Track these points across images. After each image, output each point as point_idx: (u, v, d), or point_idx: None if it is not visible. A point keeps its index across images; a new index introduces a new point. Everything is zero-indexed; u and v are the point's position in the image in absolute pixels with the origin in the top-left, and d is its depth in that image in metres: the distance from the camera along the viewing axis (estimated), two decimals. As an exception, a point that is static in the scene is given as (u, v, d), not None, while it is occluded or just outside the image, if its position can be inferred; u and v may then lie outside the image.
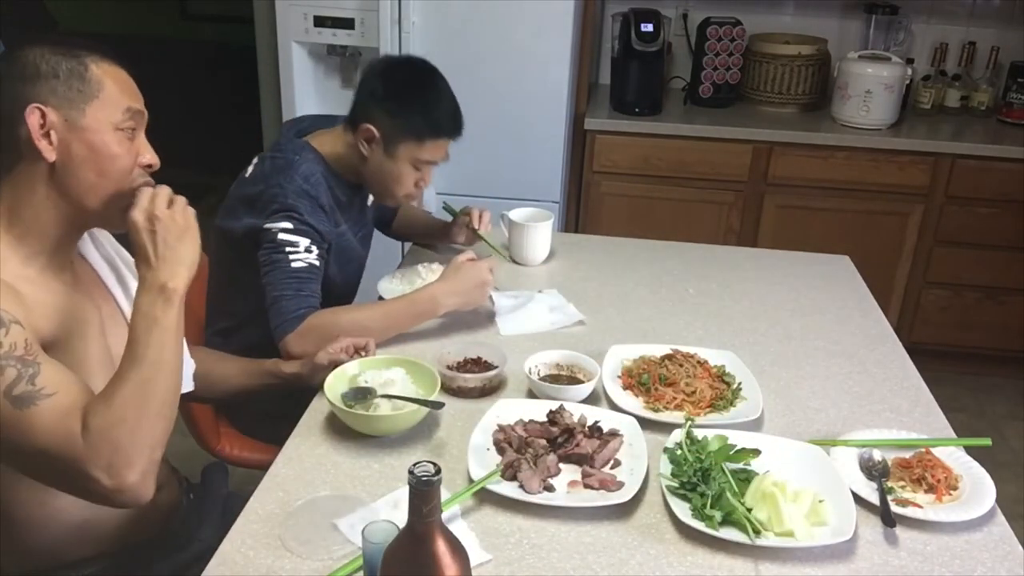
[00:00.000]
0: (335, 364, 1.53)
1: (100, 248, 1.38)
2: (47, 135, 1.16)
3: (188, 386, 1.42)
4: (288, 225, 1.67)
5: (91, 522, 1.31)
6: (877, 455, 1.39)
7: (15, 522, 1.24)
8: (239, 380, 1.63)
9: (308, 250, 1.68)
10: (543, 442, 1.38)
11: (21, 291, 1.14)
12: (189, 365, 1.44)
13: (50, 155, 1.16)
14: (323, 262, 1.73)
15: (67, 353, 1.18)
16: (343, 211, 1.85)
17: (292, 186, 1.69)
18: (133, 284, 1.36)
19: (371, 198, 1.99)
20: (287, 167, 1.72)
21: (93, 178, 1.20)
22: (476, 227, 2.08)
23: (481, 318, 1.84)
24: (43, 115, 1.15)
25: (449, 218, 2.17)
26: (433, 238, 2.20)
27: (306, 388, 1.56)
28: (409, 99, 1.76)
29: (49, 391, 1.08)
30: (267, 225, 1.67)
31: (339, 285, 1.88)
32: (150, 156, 1.25)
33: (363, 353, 1.57)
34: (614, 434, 1.41)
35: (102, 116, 1.18)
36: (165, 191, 1.21)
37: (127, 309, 1.36)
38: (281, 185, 1.69)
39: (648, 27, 3.13)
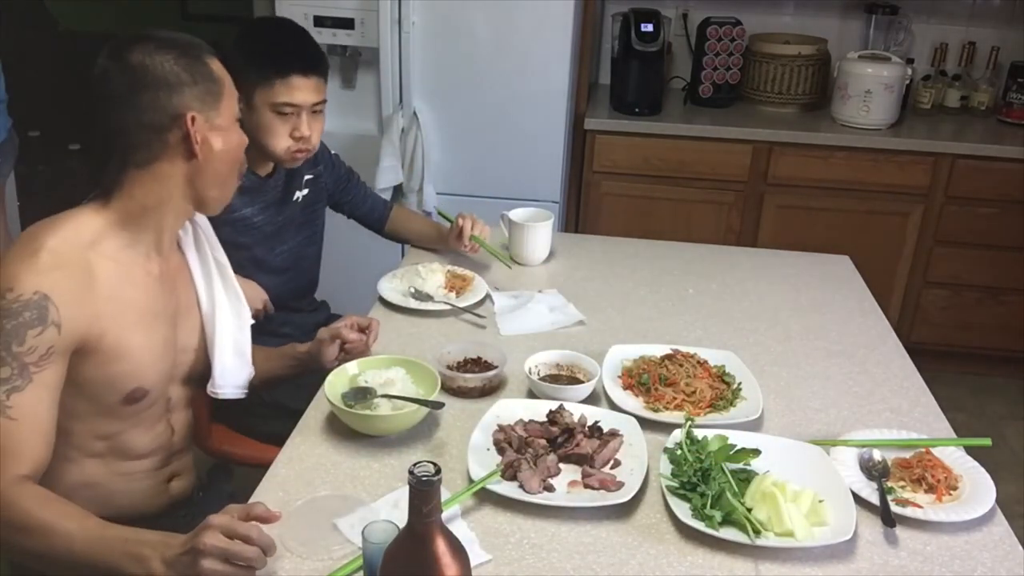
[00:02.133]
0: (335, 337, 1.56)
1: (199, 244, 1.47)
2: (198, 139, 1.26)
3: (243, 392, 1.52)
4: None
5: (104, 488, 1.37)
6: (877, 455, 1.39)
7: None
8: (263, 366, 1.64)
9: None
10: (543, 442, 1.38)
11: (100, 274, 1.23)
12: (251, 371, 1.53)
13: (200, 156, 1.27)
14: None
15: (122, 344, 1.26)
16: (247, 195, 1.84)
17: None
18: (217, 281, 1.47)
19: (298, 194, 1.97)
20: None
21: (224, 169, 1.32)
22: (473, 235, 2.04)
23: (481, 318, 1.84)
24: (193, 120, 1.24)
25: (445, 223, 2.14)
26: (430, 243, 2.18)
27: (319, 368, 1.58)
28: (250, 45, 1.78)
29: (12, 415, 1.14)
30: None
31: (260, 268, 1.89)
32: (244, 137, 1.37)
33: (366, 332, 1.60)
34: (614, 434, 1.41)
35: (229, 111, 1.31)
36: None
37: (205, 302, 1.46)
38: None
39: (648, 27, 3.13)
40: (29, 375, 1.15)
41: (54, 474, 1.27)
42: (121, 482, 1.40)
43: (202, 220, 1.48)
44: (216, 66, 1.29)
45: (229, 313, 1.48)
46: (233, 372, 1.49)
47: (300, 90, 1.76)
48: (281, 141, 1.79)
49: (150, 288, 1.32)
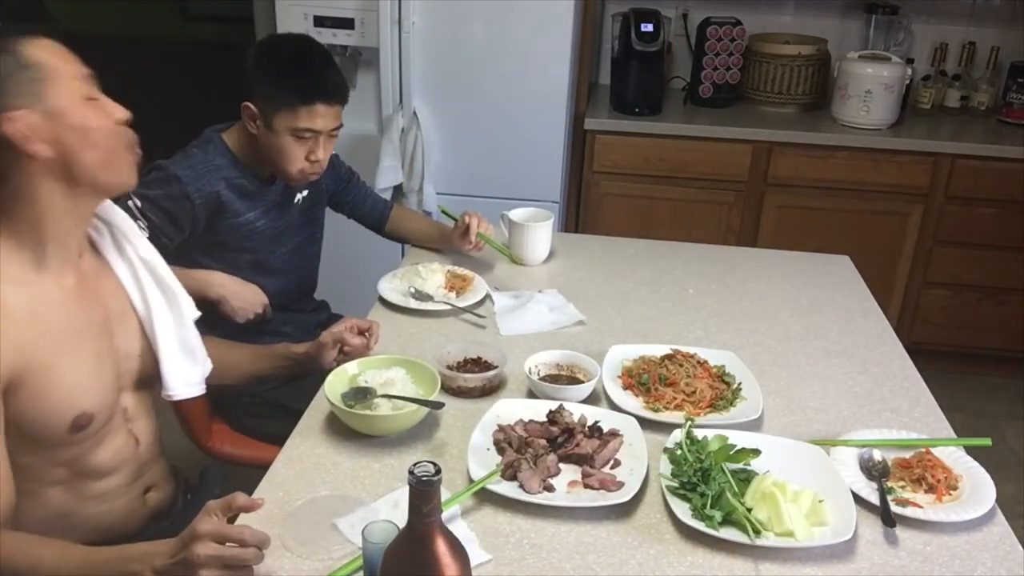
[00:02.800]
0: (337, 341, 1.54)
1: (119, 244, 1.37)
2: (31, 136, 1.14)
3: (200, 390, 1.44)
4: (138, 203, 1.71)
5: (75, 515, 1.31)
6: (877, 455, 1.39)
7: None
8: (251, 365, 1.64)
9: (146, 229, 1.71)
10: (543, 442, 1.38)
11: (10, 304, 1.14)
12: (206, 366, 1.45)
13: (46, 152, 1.15)
14: (168, 241, 1.75)
15: (51, 371, 1.19)
16: (248, 199, 1.85)
17: (173, 169, 1.75)
18: (147, 279, 1.37)
19: (299, 196, 1.98)
20: (182, 153, 1.79)
21: (97, 153, 1.19)
22: (479, 232, 2.04)
23: (481, 318, 1.84)
24: (14, 120, 1.12)
25: (449, 222, 2.15)
26: (432, 242, 2.18)
27: (317, 369, 1.57)
28: (277, 69, 1.77)
29: None
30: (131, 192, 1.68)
31: (261, 271, 1.91)
32: (120, 111, 1.23)
33: (367, 335, 1.59)
34: (614, 434, 1.41)
35: (66, 91, 1.17)
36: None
37: (139, 304, 1.36)
38: (163, 167, 1.76)
39: (648, 27, 3.13)
40: None
41: (19, 512, 1.23)
42: (92, 505, 1.33)
43: (117, 218, 1.37)
44: (32, 50, 1.15)
45: (167, 311, 1.39)
46: (183, 371, 1.40)
47: (322, 117, 1.77)
48: (296, 164, 1.80)
49: (68, 303, 1.23)
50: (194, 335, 1.42)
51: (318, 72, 1.78)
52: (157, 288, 1.38)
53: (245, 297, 1.84)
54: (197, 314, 1.45)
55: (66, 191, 1.19)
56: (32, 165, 1.15)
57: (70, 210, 1.21)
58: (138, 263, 1.37)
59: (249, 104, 1.77)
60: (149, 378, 1.40)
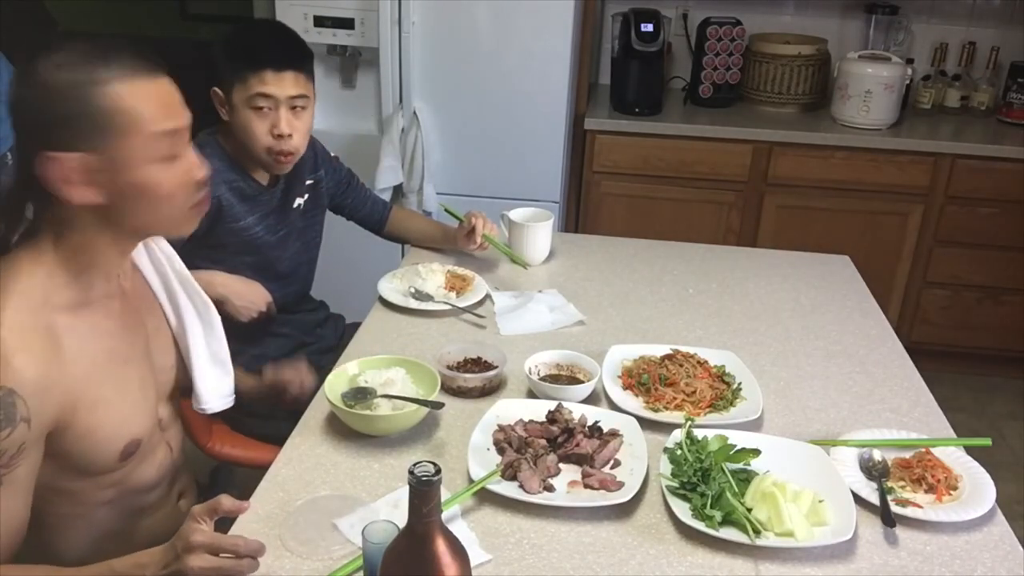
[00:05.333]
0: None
1: (152, 255, 1.34)
2: (76, 180, 1.05)
3: (230, 401, 1.44)
4: None
5: (123, 532, 1.30)
6: (877, 455, 1.39)
7: (51, 530, 1.23)
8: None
9: None
10: (543, 442, 1.38)
11: (64, 336, 1.09)
12: (231, 378, 1.45)
13: (94, 198, 1.07)
14: None
15: (100, 405, 1.15)
16: (248, 203, 1.84)
17: None
18: (181, 297, 1.36)
19: (298, 200, 1.96)
20: None
21: (149, 213, 1.12)
22: (485, 233, 2.03)
23: (481, 318, 1.84)
24: (58, 161, 1.04)
25: (453, 221, 2.14)
26: (433, 242, 2.18)
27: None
28: (229, 45, 1.78)
29: None
30: None
31: (262, 275, 1.88)
32: (200, 171, 1.16)
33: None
34: (614, 434, 1.41)
35: (139, 148, 1.07)
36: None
37: (173, 321, 1.36)
38: None
39: (648, 27, 3.13)
40: (2, 476, 1.03)
41: (69, 536, 1.22)
42: (136, 520, 1.32)
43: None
44: (119, 92, 1.05)
45: (197, 323, 1.38)
46: (215, 382, 1.40)
47: (274, 84, 1.73)
48: (260, 140, 1.76)
49: (116, 331, 1.19)
50: (222, 344, 1.42)
51: (264, 39, 1.79)
52: (190, 302, 1.37)
53: (248, 296, 1.83)
54: (219, 317, 1.42)
55: (113, 232, 1.13)
56: (68, 206, 1.08)
57: (115, 244, 1.15)
58: (172, 275, 1.35)
59: (216, 89, 1.78)
60: (182, 389, 1.40)
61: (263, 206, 1.89)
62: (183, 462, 1.44)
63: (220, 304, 1.79)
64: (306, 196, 1.99)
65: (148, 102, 1.08)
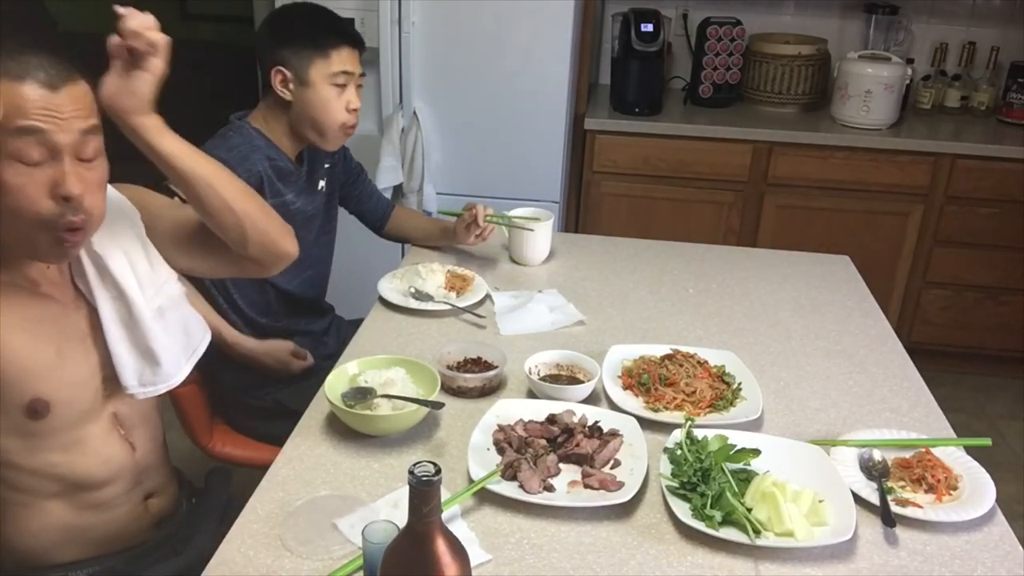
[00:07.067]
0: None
1: (88, 248, 1.28)
2: None
3: (156, 391, 1.36)
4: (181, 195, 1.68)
5: (77, 526, 1.30)
6: (877, 455, 1.39)
7: (1, 517, 1.24)
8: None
9: None
10: (543, 442, 1.38)
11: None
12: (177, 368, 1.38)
13: None
14: None
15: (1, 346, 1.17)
16: (285, 180, 1.87)
17: (216, 154, 1.72)
18: (93, 277, 1.29)
19: (321, 183, 1.99)
20: (218, 139, 1.81)
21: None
22: (488, 214, 2.04)
23: (481, 318, 1.84)
24: None
25: (451, 219, 2.14)
26: (434, 240, 2.18)
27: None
28: (297, 25, 1.83)
29: None
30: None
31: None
32: (73, 188, 1.13)
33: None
34: (614, 434, 1.41)
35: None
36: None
37: (99, 306, 1.29)
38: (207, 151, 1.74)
39: (648, 27, 3.13)
40: None
41: (23, 525, 1.23)
42: (93, 515, 1.31)
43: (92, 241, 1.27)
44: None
45: (112, 310, 1.30)
46: (137, 371, 1.31)
47: (351, 61, 1.84)
48: (339, 115, 1.85)
49: (23, 292, 1.21)
50: (152, 336, 1.31)
51: (337, 19, 1.87)
52: (103, 287, 1.29)
53: (272, 353, 1.91)
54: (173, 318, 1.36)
55: None
56: None
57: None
58: (87, 261, 1.28)
59: (281, 68, 1.80)
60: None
61: (297, 184, 1.92)
62: (152, 464, 1.40)
63: (258, 363, 1.88)
64: (326, 179, 2.02)
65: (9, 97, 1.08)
